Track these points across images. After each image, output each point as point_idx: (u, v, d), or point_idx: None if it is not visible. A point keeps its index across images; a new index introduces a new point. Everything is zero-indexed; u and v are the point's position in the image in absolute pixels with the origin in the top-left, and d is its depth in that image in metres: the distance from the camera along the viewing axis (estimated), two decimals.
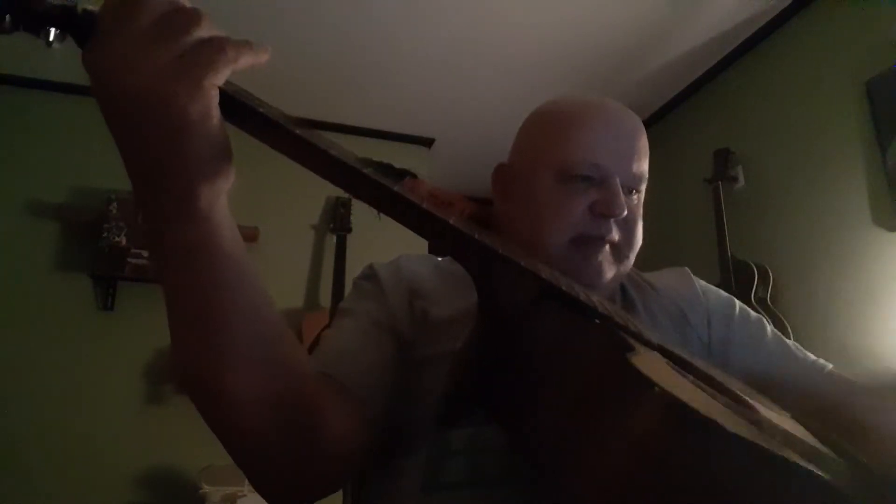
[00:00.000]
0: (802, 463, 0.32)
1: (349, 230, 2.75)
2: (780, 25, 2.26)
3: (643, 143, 0.74)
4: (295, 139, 0.40)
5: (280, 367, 0.47)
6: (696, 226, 2.49)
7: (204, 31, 0.36)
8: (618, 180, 0.70)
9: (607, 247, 0.70)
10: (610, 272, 0.70)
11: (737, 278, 2.14)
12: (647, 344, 0.47)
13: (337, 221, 2.77)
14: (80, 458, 2.26)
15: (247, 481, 2.43)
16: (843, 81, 1.97)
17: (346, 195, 2.75)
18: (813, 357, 0.76)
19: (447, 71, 2.59)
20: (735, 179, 2.32)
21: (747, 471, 0.31)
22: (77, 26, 0.36)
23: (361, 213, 2.78)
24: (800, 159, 2.13)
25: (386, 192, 0.42)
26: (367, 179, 0.41)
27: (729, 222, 2.24)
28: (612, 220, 0.69)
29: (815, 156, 2.07)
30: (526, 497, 0.53)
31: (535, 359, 0.44)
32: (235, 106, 0.39)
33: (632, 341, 0.43)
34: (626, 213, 0.69)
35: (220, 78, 0.37)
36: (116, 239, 2.40)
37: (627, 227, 0.72)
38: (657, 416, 0.33)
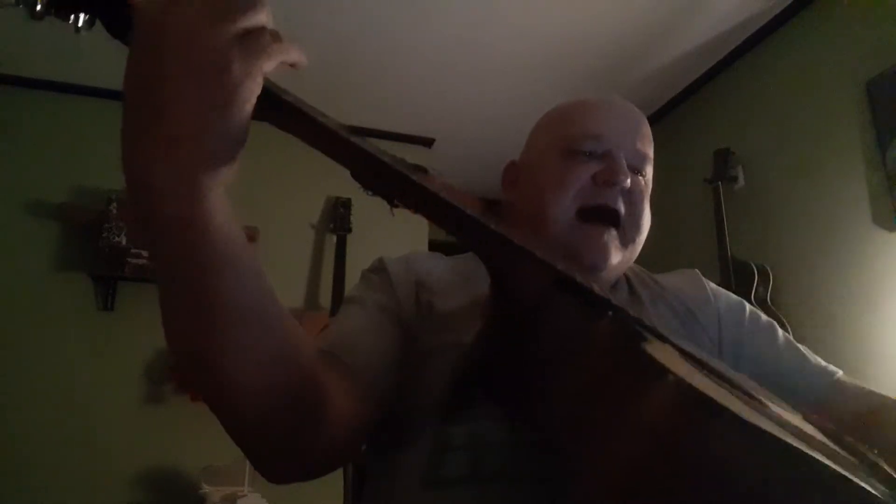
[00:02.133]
0: (817, 457, 0.31)
1: (349, 230, 2.75)
2: (780, 25, 2.26)
3: (646, 128, 0.77)
4: (321, 130, 0.42)
5: (283, 348, 0.46)
6: (696, 226, 2.49)
7: (263, 18, 0.37)
8: (621, 153, 0.72)
9: (614, 230, 0.71)
10: (616, 256, 0.71)
11: (737, 278, 2.14)
12: (661, 338, 0.47)
13: (337, 221, 2.77)
14: (80, 458, 2.26)
15: (247, 481, 2.43)
16: (843, 81, 1.97)
17: (346, 196, 2.78)
18: (823, 363, 0.75)
19: (447, 71, 2.59)
20: (735, 179, 2.32)
21: (760, 462, 0.30)
22: (113, 13, 0.36)
23: (361, 213, 2.78)
24: (800, 159, 2.13)
25: (407, 181, 0.43)
26: (391, 170, 0.42)
27: (729, 222, 2.24)
28: (616, 189, 0.71)
29: (815, 156, 2.07)
30: (526, 492, 0.53)
31: (548, 348, 0.44)
32: (271, 98, 0.40)
33: (646, 333, 0.43)
34: (629, 182, 0.71)
35: (271, 65, 0.37)
36: (116, 239, 2.40)
37: (633, 204, 0.72)
38: (671, 402, 0.33)
